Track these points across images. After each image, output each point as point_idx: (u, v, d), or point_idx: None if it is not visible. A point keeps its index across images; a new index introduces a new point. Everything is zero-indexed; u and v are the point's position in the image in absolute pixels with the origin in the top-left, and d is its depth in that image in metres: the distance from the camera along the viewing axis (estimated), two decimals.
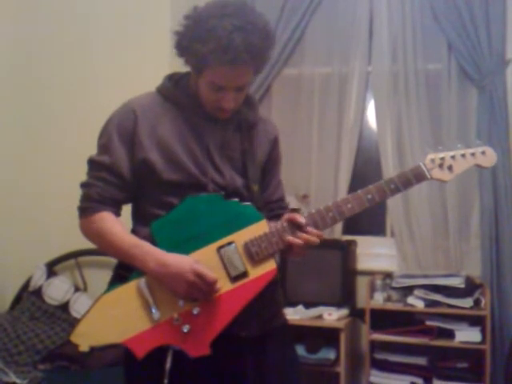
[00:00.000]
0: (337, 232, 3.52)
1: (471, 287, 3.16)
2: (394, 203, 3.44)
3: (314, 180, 3.59)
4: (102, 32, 3.49)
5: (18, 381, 2.83)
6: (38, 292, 3.35)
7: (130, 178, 1.62)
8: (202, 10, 1.57)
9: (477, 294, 3.14)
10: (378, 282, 3.32)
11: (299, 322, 3.23)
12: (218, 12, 1.53)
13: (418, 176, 1.63)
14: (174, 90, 1.66)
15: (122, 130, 1.61)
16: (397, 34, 3.44)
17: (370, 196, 1.61)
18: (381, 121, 3.52)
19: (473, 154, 1.67)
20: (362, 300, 3.36)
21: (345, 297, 3.36)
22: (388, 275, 3.36)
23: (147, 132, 1.60)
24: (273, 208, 1.80)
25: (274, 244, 1.58)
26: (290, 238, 1.57)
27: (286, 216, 1.61)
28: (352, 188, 3.55)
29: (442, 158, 1.64)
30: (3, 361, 2.96)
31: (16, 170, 3.55)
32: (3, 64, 3.57)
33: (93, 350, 1.57)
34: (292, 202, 3.57)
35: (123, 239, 1.58)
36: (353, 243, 3.46)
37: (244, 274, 1.57)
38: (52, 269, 3.46)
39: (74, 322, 3.06)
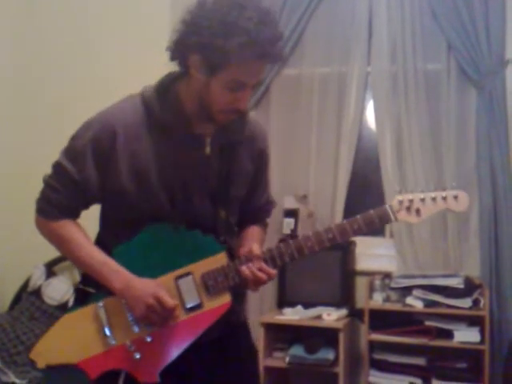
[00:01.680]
0: None
1: (470, 287, 3.16)
2: None
3: (313, 180, 3.59)
4: (102, 30, 3.50)
5: (17, 381, 2.84)
6: (37, 292, 3.35)
7: (97, 196, 1.59)
8: (214, 3, 1.45)
9: (476, 295, 3.14)
10: (377, 283, 3.31)
11: (298, 323, 3.24)
12: (234, 3, 1.43)
13: (383, 218, 1.58)
14: (160, 108, 1.55)
15: (98, 148, 1.54)
16: (396, 34, 3.44)
17: (331, 235, 1.57)
18: (380, 121, 3.52)
19: (444, 198, 1.60)
20: (361, 300, 3.36)
21: (344, 297, 3.36)
22: (387, 275, 3.36)
23: (125, 159, 1.54)
24: (257, 213, 1.80)
25: (230, 278, 1.57)
26: (242, 267, 1.56)
27: (246, 248, 1.60)
28: (351, 188, 3.55)
29: (411, 201, 1.58)
30: (2, 361, 2.97)
31: (16, 169, 3.55)
32: (5, 64, 3.57)
33: (49, 368, 1.59)
34: (291, 202, 3.58)
35: (91, 254, 1.58)
36: (352, 244, 3.46)
37: (199, 306, 1.57)
38: (51, 269, 3.46)
39: None
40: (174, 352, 1.56)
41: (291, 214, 3.55)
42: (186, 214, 1.59)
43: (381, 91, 3.50)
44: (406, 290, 3.21)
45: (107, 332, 1.57)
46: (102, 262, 1.57)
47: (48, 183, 1.61)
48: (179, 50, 1.51)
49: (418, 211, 1.59)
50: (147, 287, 1.53)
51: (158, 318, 1.54)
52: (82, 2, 3.55)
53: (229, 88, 1.48)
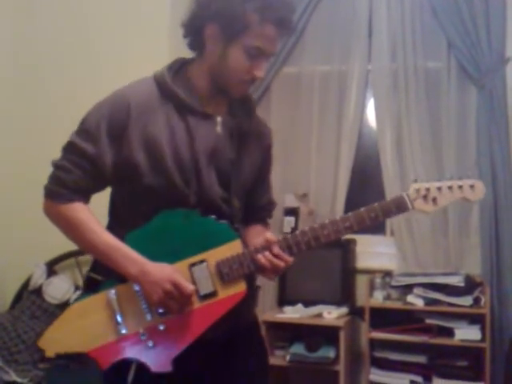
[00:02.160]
0: None
1: (471, 285, 3.16)
2: None
3: (313, 178, 3.59)
4: (102, 30, 3.50)
5: (18, 379, 2.84)
6: (38, 291, 3.35)
7: (110, 174, 1.57)
8: None
9: (476, 292, 3.14)
10: (378, 281, 3.31)
11: (299, 321, 3.24)
12: None
13: (400, 206, 1.57)
14: (172, 85, 1.58)
15: (113, 123, 1.54)
16: (396, 32, 3.45)
17: (348, 224, 1.57)
18: (380, 119, 3.52)
19: (460, 187, 1.60)
20: (362, 298, 3.36)
21: (344, 295, 3.36)
22: (387, 274, 3.36)
23: (138, 131, 1.54)
24: (258, 212, 1.80)
25: (245, 266, 1.55)
26: (258, 256, 1.55)
27: (262, 237, 1.58)
28: (351, 186, 3.55)
29: (428, 189, 1.58)
30: (3, 360, 2.97)
31: (16, 167, 3.56)
32: (5, 63, 3.58)
33: (59, 357, 1.57)
34: (291, 200, 3.58)
35: (104, 240, 1.54)
36: (352, 242, 3.46)
37: (213, 294, 1.55)
38: (52, 268, 3.46)
39: None
40: (187, 340, 1.53)
41: (292, 212, 3.55)
42: (199, 194, 1.57)
43: (381, 89, 3.50)
44: (407, 288, 3.21)
45: (119, 320, 1.54)
46: (116, 247, 1.53)
47: (58, 165, 1.58)
48: (196, 23, 1.56)
49: (434, 200, 1.59)
50: (163, 272, 1.50)
51: (174, 304, 1.51)
52: (82, 2, 3.55)
53: (247, 54, 1.54)
